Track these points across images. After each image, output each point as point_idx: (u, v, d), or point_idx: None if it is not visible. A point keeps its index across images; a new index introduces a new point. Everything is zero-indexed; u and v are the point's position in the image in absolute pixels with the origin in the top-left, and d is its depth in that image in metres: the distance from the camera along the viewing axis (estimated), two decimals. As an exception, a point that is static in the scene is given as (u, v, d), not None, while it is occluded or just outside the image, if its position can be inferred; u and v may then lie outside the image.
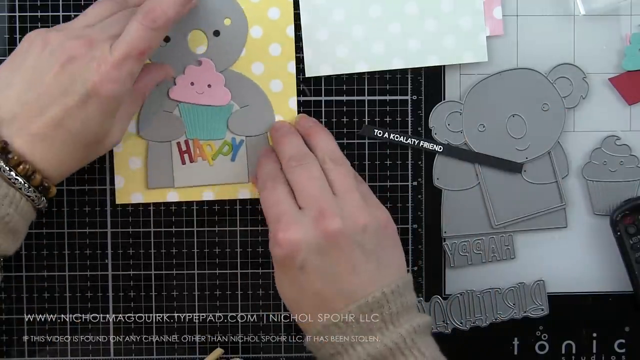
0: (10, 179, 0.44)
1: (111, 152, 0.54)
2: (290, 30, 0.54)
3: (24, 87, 0.44)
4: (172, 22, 0.45)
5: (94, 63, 0.43)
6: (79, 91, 0.43)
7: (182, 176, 0.54)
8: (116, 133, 0.48)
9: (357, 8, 0.54)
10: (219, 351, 0.55)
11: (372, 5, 0.54)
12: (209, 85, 0.53)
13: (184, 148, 0.54)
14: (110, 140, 0.48)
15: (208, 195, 0.55)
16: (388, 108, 0.55)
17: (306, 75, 0.54)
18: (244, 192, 0.55)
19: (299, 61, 0.54)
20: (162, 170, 0.54)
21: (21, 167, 0.44)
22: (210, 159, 0.54)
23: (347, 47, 0.54)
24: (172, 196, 0.54)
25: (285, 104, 0.54)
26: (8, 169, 0.43)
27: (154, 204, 0.55)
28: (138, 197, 0.54)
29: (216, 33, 0.53)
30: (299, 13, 0.54)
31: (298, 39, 0.54)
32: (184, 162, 0.54)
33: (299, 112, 0.54)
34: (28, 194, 0.45)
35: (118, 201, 0.54)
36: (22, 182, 0.44)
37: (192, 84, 0.53)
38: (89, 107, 0.44)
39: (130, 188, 0.54)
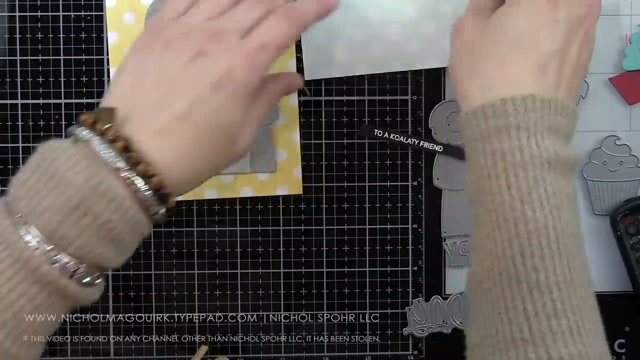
0: (128, 179, 0.39)
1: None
2: (291, 30, 0.54)
3: (151, 85, 0.41)
4: (310, 24, 0.44)
5: (227, 53, 0.41)
6: (210, 79, 0.41)
7: None
8: (245, 136, 0.44)
9: (356, 11, 0.54)
10: (204, 348, 0.55)
11: (370, 8, 0.54)
12: None
13: None
14: (239, 145, 0.44)
15: (210, 193, 0.54)
16: (388, 108, 0.55)
17: (305, 79, 0.54)
18: (246, 191, 0.55)
19: (299, 61, 0.54)
20: None
21: (141, 166, 0.39)
22: None
23: (346, 50, 0.54)
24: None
25: (286, 102, 0.54)
26: (128, 167, 0.39)
27: (154, 203, 0.55)
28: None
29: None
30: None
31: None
32: None
33: (299, 111, 0.54)
34: (145, 196, 0.39)
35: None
36: (140, 185, 0.39)
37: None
38: (220, 95, 0.41)
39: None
